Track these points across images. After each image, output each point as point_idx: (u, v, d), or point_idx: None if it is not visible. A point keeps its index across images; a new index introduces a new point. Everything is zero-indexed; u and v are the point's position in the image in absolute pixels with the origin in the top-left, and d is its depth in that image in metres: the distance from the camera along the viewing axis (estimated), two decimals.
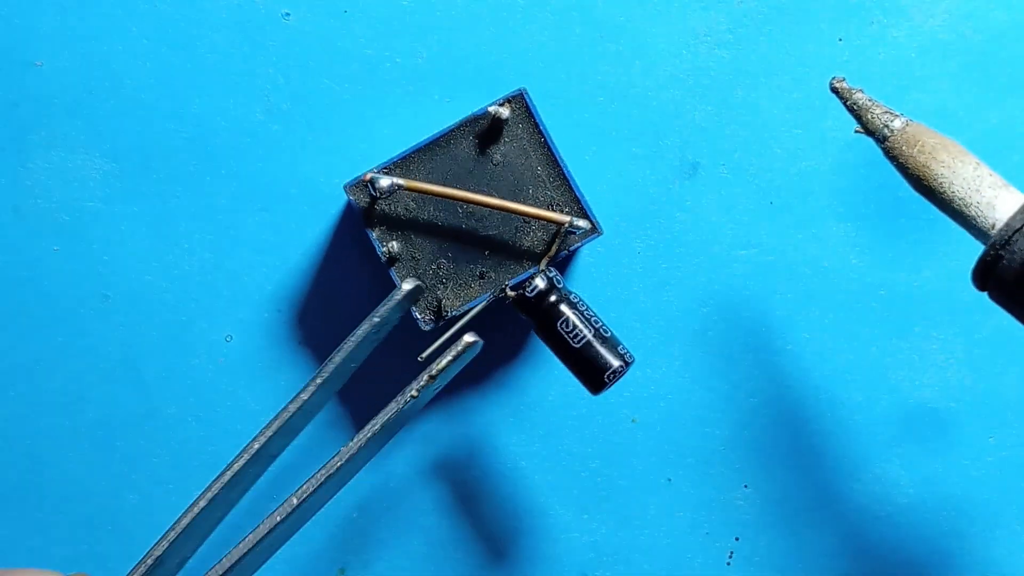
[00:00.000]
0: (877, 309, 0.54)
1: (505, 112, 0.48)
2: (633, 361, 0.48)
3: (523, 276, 0.49)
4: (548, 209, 0.49)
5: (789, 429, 0.54)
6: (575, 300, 0.48)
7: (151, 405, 0.54)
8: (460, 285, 0.49)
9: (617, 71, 0.53)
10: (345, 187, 0.49)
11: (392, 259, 0.49)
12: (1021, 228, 0.37)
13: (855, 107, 0.41)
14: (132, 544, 0.54)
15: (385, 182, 0.47)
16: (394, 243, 0.49)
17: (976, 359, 0.53)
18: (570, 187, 0.49)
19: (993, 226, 0.38)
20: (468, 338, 0.45)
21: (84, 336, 0.54)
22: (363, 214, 0.49)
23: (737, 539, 0.54)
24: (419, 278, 0.49)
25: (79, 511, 0.54)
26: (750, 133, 0.53)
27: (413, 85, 0.54)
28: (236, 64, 0.54)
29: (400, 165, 0.49)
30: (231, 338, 0.54)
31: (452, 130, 0.49)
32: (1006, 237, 0.37)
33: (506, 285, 0.49)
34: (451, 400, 0.54)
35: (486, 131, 0.49)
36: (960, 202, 0.38)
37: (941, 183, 0.39)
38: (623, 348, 0.48)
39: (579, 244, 0.49)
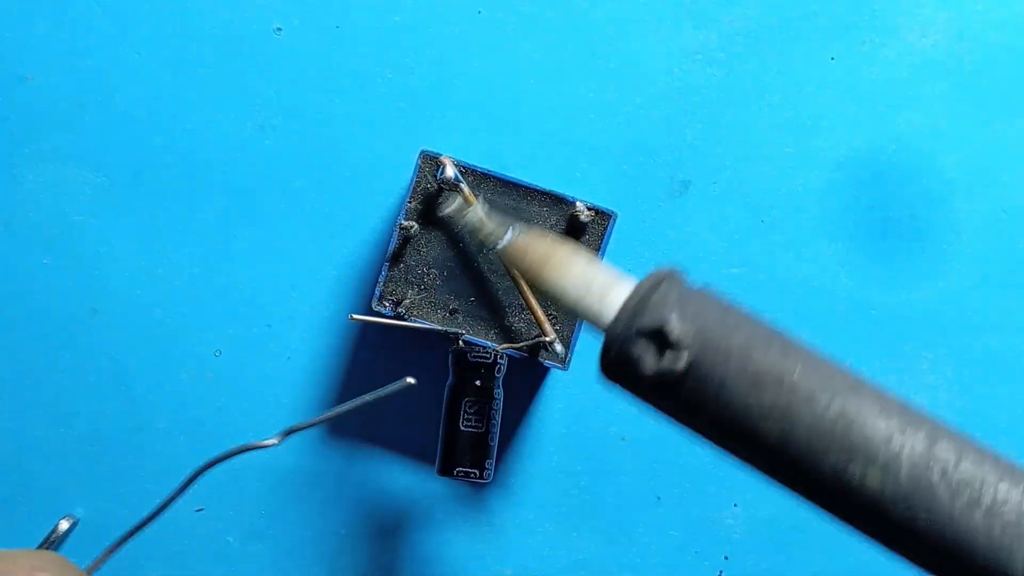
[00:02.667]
0: (867, 329, 0.53)
1: (586, 217, 0.49)
2: (488, 480, 0.49)
3: (481, 342, 0.49)
4: (547, 316, 0.49)
5: None
6: (497, 398, 0.48)
7: (140, 419, 0.54)
8: (431, 303, 0.49)
9: (609, 88, 0.53)
10: (422, 152, 0.49)
11: (406, 238, 0.49)
12: (617, 321, 0.36)
13: (468, 227, 0.43)
14: (121, 557, 0.54)
15: (451, 172, 0.48)
16: (416, 226, 0.49)
17: (965, 380, 0.53)
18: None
19: (606, 323, 0.38)
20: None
21: (73, 349, 0.54)
22: (415, 184, 0.49)
23: (726, 558, 0.54)
24: (406, 270, 0.49)
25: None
26: (741, 151, 0.53)
27: (405, 100, 0.54)
28: (227, 79, 0.54)
29: (472, 174, 0.49)
30: (220, 353, 0.54)
31: (537, 190, 0.49)
32: (615, 332, 0.36)
33: (462, 334, 0.49)
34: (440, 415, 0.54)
35: (560, 215, 0.49)
36: (573, 305, 0.39)
37: (553, 290, 0.39)
38: (490, 463, 0.49)
39: (541, 360, 0.49)
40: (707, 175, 0.53)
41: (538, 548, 0.54)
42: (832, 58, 0.53)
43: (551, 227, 0.49)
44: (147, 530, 0.54)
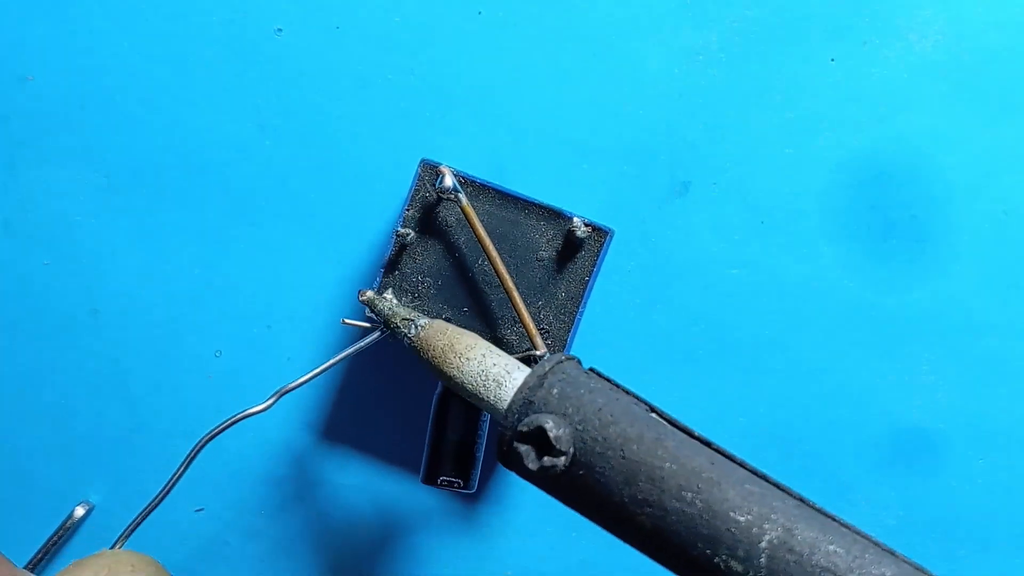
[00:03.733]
0: (868, 329, 0.53)
1: (583, 233, 0.48)
2: (471, 491, 0.49)
3: None
4: (539, 329, 0.49)
5: (778, 449, 0.54)
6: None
7: (139, 419, 0.54)
8: (425, 311, 0.49)
9: (609, 89, 0.53)
10: (422, 161, 0.49)
11: (402, 246, 0.49)
12: (506, 419, 0.39)
13: (380, 315, 0.46)
14: None
15: (449, 182, 0.47)
16: (413, 234, 0.49)
17: (966, 381, 0.53)
18: (570, 330, 0.49)
19: (501, 418, 0.41)
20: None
21: (73, 350, 0.54)
22: (414, 192, 0.49)
23: None
24: (401, 277, 0.49)
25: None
26: (741, 152, 0.53)
27: (405, 101, 0.54)
28: (228, 80, 0.54)
29: (471, 185, 0.49)
30: (220, 353, 0.54)
31: (535, 203, 0.49)
32: (504, 430, 0.39)
33: None
34: None
35: (557, 229, 0.49)
36: (473, 396, 0.42)
37: (453, 381, 0.43)
38: (475, 473, 0.49)
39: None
40: (707, 175, 0.53)
41: (538, 549, 0.54)
42: (832, 59, 0.53)
43: (547, 241, 0.49)
44: (147, 530, 0.54)
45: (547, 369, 0.39)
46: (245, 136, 0.54)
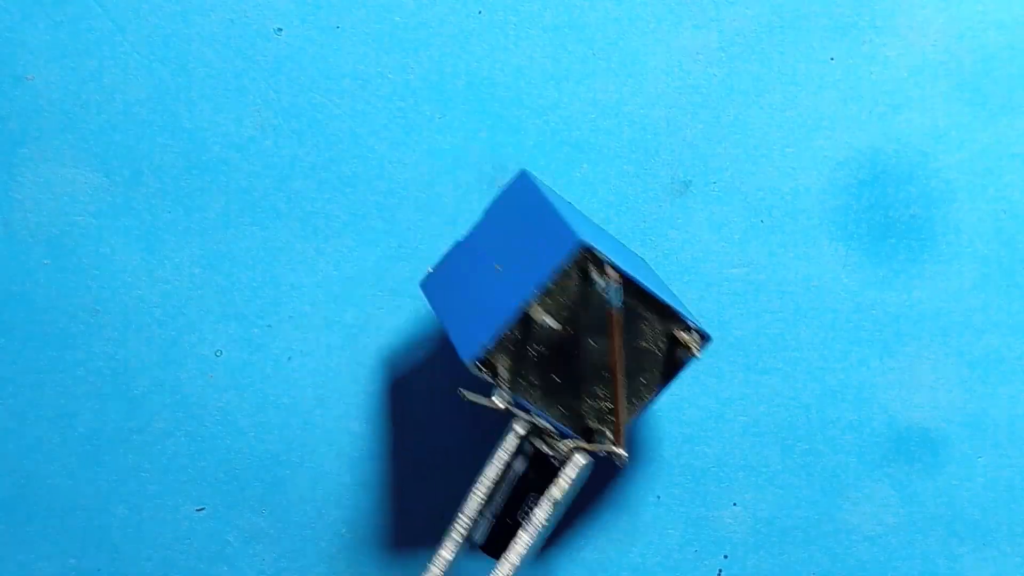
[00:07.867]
0: (868, 328, 0.54)
1: (685, 340, 0.46)
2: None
3: (564, 431, 0.46)
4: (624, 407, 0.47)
5: (779, 448, 0.54)
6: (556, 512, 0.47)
7: (140, 419, 0.54)
8: (523, 378, 0.46)
9: (609, 88, 0.53)
10: (580, 244, 0.44)
11: (527, 316, 0.45)
12: None
13: None
14: (120, 558, 0.54)
15: (616, 298, 0.44)
16: (550, 321, 0.45)
17: (967, 380, 0.53)
18: (632, 421, 0.47)
19: None
20: (580, 459, 0.46)
21: (74, 350, 0.54)
22: (561, 274, 0.44)
23: (726, 557, 0.54)
24: (513, 344, 0.46)
25: (67, 525, 0.54)
26: (742, 151, 0.53)
27: (404, 101, 0.54)
28: (228, 79, 0.54)
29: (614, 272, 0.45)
30: (221, 353, 0.54)
31: (660, 301, 0.46)
32: None
33: (541, 419, 0.46)
34: (443, 420, 0.54)
35: (664, 327, 0.47)
36: None
37: None
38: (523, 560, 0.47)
39: (600, 454, 0.46)
40: (707, 175, 0.54)
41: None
42: (832, 58, 0.53)
43: (652, 335, 0.47)
44: (147, 530, 0.54)
45: None
46: (244, 135, 0.54)
